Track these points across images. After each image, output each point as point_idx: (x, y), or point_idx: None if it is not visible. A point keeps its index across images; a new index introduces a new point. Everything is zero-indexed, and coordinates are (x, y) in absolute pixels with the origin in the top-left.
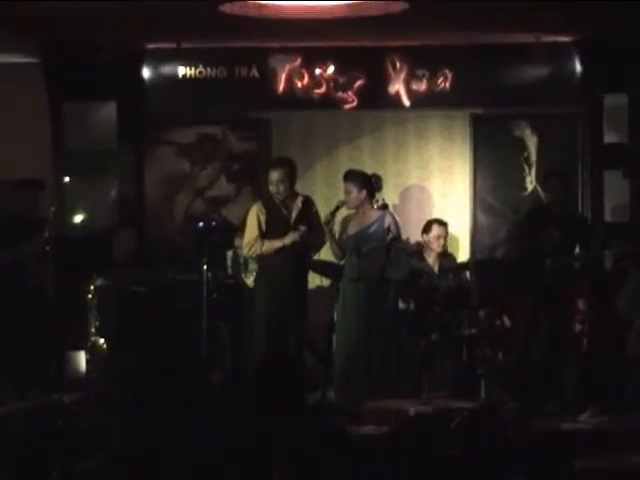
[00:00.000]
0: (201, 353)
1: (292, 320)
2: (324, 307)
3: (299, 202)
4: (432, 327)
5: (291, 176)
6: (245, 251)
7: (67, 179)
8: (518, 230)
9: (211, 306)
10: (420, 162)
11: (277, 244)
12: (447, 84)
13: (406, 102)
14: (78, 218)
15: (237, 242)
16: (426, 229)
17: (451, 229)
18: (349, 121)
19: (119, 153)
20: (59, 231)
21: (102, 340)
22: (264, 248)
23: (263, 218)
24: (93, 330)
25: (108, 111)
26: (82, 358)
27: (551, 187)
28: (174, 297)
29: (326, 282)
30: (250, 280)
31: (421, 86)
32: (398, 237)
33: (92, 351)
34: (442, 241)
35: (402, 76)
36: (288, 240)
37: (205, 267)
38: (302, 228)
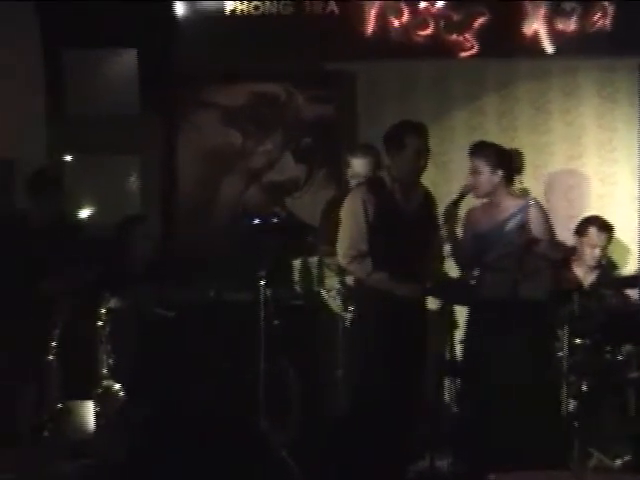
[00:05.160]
0: (257, 404)
1: (412, 363)
2: (434, 340)
3: (421, 193)
4: (585, 369)
5: (427, 149)
6: (343, 260)
7: (68, 158)
8: None
9: (271, 338)
10: (568, 133)
11: (389, 284)
12: (607, 21)
13: (548, 48)
14: (84, 213)
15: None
16: (580, 231)
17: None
18: (467, 75)
19: (141, 121)
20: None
21: (117, 386)
22: (373, 277)
23: (372, 210)
24: (105, 371)
25: (126, 62)
26: (89, 410)
27: None
28: (218, 325)
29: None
30: (329, 299)
31: (569, 25)
32: (551, 238)
33: (103, 401)
34: (599, 252)
35: (542, 11)
36: (403, 291)
37: (263, 282)
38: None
